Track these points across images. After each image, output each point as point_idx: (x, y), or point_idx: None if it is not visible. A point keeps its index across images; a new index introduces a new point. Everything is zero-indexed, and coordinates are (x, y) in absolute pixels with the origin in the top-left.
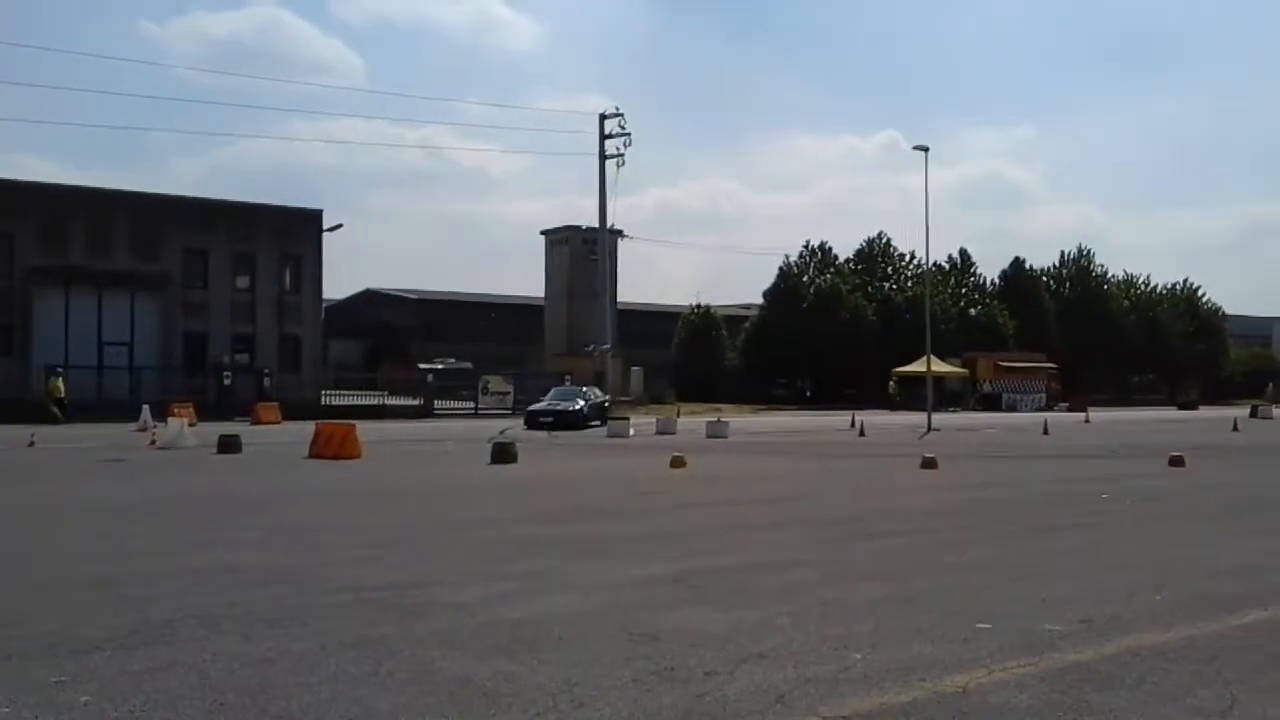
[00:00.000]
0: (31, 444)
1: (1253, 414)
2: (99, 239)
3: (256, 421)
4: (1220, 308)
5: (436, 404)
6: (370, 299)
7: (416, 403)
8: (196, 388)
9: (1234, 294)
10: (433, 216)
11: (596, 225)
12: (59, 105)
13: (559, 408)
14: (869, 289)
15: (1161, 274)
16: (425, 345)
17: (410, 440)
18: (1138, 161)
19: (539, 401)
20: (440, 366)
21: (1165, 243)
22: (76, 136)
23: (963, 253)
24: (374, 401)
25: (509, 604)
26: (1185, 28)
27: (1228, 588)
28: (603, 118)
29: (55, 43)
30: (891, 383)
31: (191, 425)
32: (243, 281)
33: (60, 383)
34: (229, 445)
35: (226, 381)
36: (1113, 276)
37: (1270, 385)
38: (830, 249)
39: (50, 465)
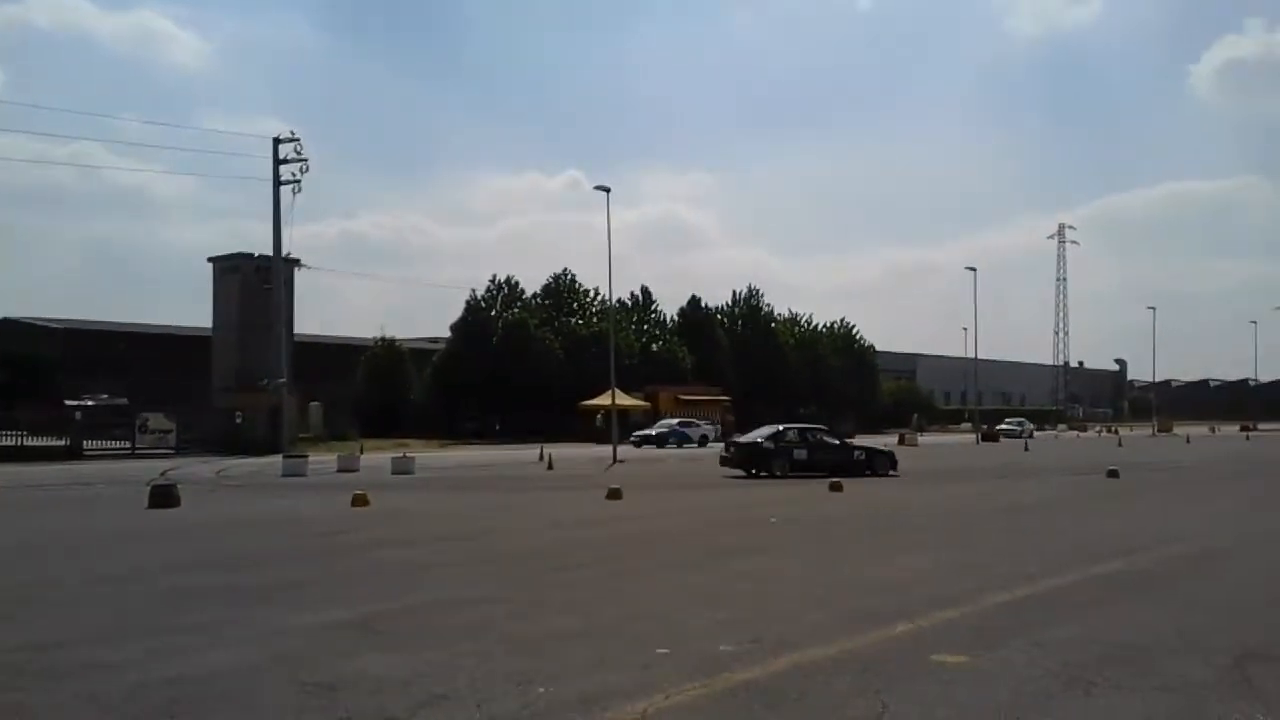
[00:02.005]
0: None
1: (901, 441)
2: None
3: None
4: (873, 345)
5: (86, 444)
6: (8, 329)
7: (62, 443)
8: None
9: (881, 332)
10: (82, 240)
11: (270, 253)
12: None
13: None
14: (556, 324)
15: (821, 314)
16: (73, 380)
17: (53, 484)
18: (797, 210)
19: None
20: (90, 403)
21: (823, 285)
22: None
23: (644, 290)
24: (11, 442)
25: (166, 661)
26: (831, 94)
27: (881, 603)
28: (276, 142)
29: None
30: (599, 415)
31: None
32: None
33: None
34: None
35: None
36: (780, 315)
37: (915, 415)
38: (518, 284)
39: None
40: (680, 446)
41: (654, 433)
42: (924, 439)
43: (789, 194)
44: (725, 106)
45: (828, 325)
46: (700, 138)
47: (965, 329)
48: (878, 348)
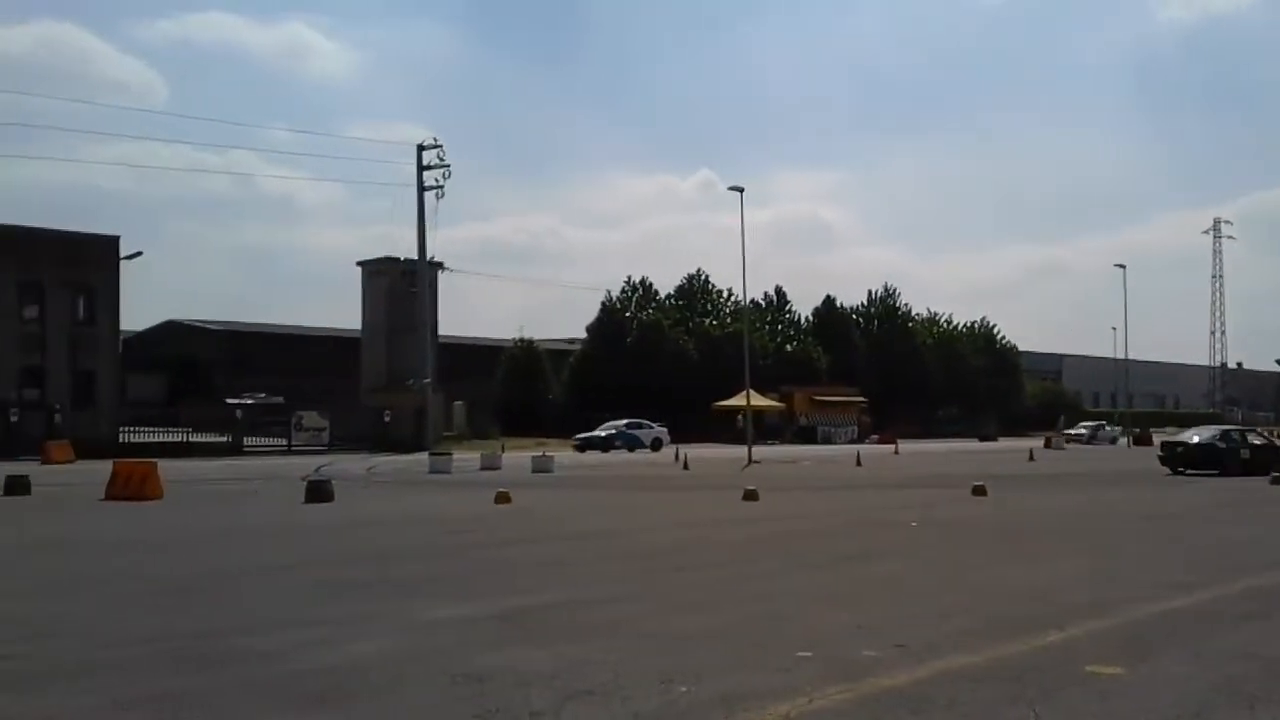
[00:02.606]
0: None
1: (1047, 444)
2: None
3: (47, 461)
4: (1015, 344)
5: (246, 441)
6: (172, 331)
7: (224, 439)
8: None
9: (1024, 332)
10: (239, 245)
11: (415, 257)
12: None
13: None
14: (690, 324)
15: (961, 313)
16: (232, 379)
17: (218, 479)
18: (931, 208)
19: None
20: (249, 401)
21: (961, 283)
22: None
23: (778, 290)
24: (177, 439)
25: (321, 649)
26: (966, 88)
27: (1028, 610)
28: (420, 148)
29: None
30: (739, 417)
31: None
32: (31, 311)
33: None
34: (16, 486)
35: (14, 418)
36: (917, 314)
37: (1061, 417)
38: (651, 285)
39: None
40: (632, 450)
41: (601, 434)
42: (1070, 442)
43: (922, 191)
44: (854, 103)
45: (968, 325)
46: (830, 135)
47: (1114, 328)
48: (1020, 347)
